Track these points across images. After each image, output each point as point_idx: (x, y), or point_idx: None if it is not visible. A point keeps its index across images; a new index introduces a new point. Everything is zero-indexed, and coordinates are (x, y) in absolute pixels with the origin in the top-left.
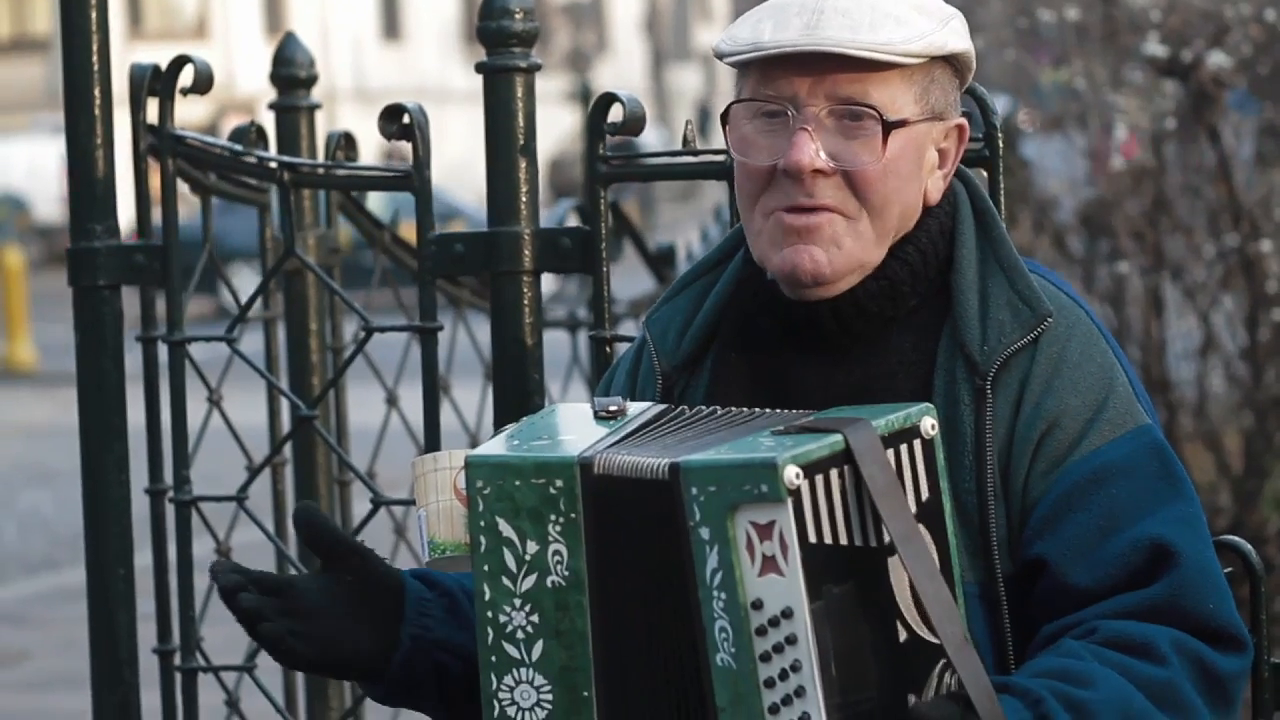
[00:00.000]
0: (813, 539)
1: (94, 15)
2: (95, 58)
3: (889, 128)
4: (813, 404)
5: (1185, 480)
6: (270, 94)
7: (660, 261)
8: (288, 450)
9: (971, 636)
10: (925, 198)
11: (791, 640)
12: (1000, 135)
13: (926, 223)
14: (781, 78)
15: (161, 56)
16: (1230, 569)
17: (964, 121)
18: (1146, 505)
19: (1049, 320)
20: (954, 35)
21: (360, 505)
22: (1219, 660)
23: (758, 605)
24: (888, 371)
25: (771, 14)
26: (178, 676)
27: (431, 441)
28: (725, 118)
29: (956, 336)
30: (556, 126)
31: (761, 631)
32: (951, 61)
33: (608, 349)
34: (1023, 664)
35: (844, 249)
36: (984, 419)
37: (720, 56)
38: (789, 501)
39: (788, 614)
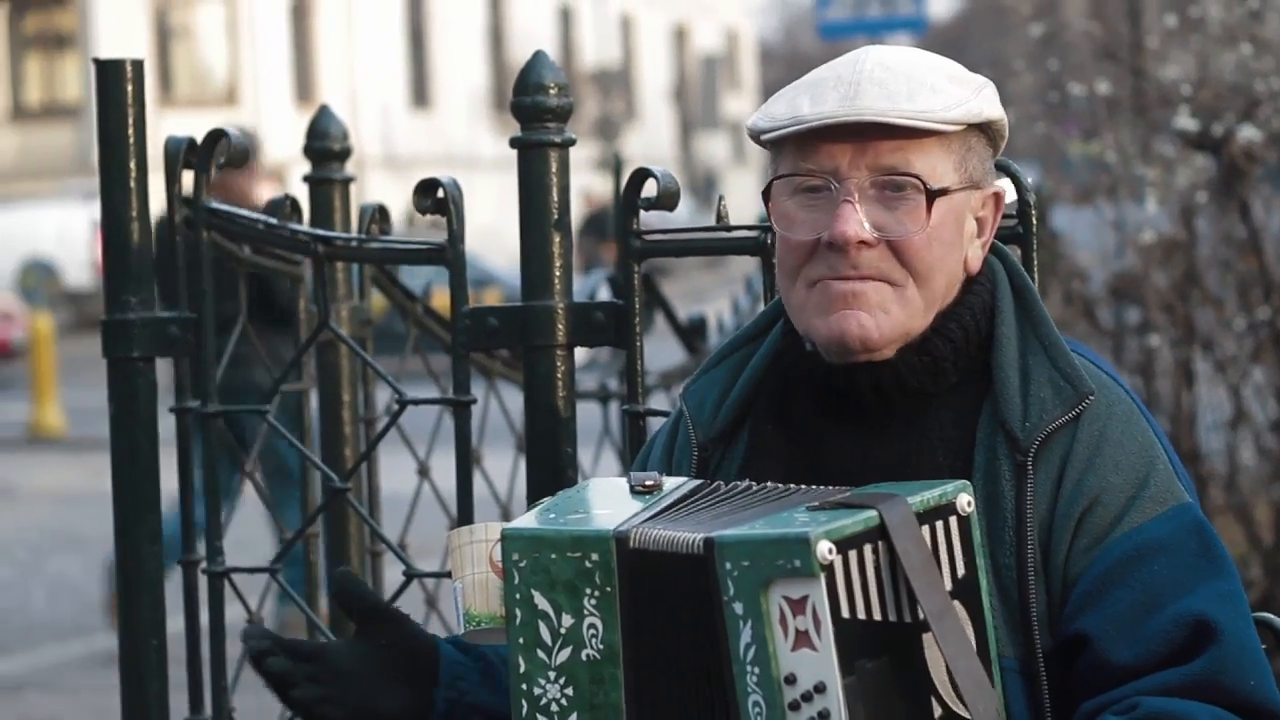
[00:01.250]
0: (846, 614)
1: (130, 89)
2: (131, 131)
3: (932, 196)
4: (850, 476)
5: (1226, 557)
6: (300, 160)
7: (692, 333)
8: (320, 521)
9: (1010, 713)
10: (966, 266)
11: (825, 716)
12: (1034, 211)
13: (969, 300)
14: (822, 151)
15: (192, 123)
16: (1264, 645)
17: (1000, 189)
18: (1188, 582)
19: (1090, 398)
20: (988, 103)
21: (392, 575)
22: None
23: (791, 680)
24: (928, 447)
25: (807, 90)
26: None
27: (464, 513)
28: (766, 194)
29: (998, 414)
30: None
31: (795, 706)
32: (986, 130)
33: (641, 423)
34: None
35: (891, 315)
36: (1025, 495)
37: (757, 134)
38: (822, 576)
39: (820, 689)
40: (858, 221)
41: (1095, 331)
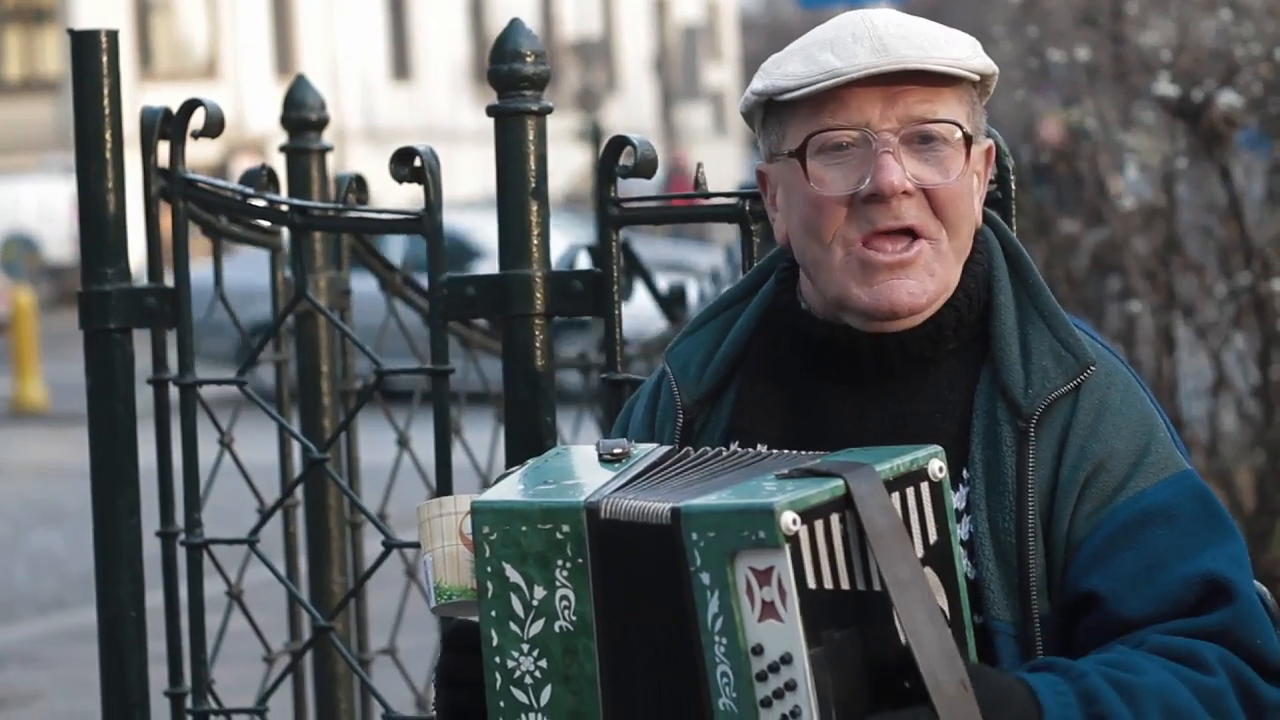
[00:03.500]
0: (812, 584)
1: (105, 60)
2: (106, 102)
3: (969, 141)
4: (848, 435)
5: (1230, 522)
6: (280, 134)
7: (672, 302)
8: (299, 492)
9: None
10: (977, 217)
11: (791, 686)
12: (1013, 177)
13: (973, 269)
14: (852, 105)
15: (172, 97)
16: None
17: (991, 144)
18: (1194, 546)
19: (1092, 369)
20: (987, 58)
21: (372, 546)
22: (1263, 689)
23: (758, 650)
24: (925, 411)
25: (826, 46)
26: (189, 719)
27: (443, 483)
28: (803, 153)
29: (998, 380)
30: (566, 165)
31: (762, 677)
32: (981, 84)
33: (621, 391)
34: None
35: (935, 275)
36: (1025, 461)
37: (777, 95)
38: (786, 547)
39: (787, 659)
40: (900, 171)
41: (1076, 298)
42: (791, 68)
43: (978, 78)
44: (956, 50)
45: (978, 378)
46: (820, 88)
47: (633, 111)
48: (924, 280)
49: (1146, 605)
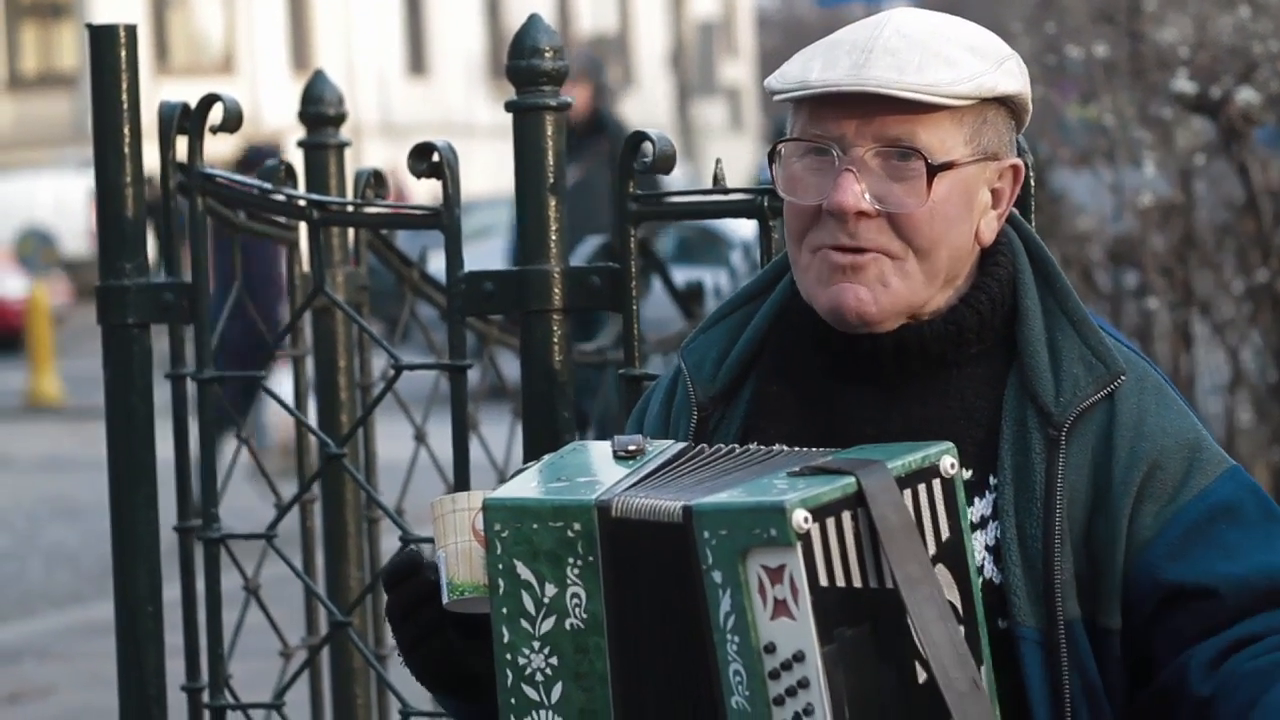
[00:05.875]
0: (824, 582)
1: (123, 54)
2: (125, 96)
3: (934, 171)
4: (867, 437)
5: None
6: (297, 128)
7: (689, 298)
8: (316, 487)
9: (1027, 682)
10: (978, 238)
11: (804, 684)
12: (1032, 176)
13: (994, 270)
14: (830, 117)
15: (188, 91)
16: None
17: (1019, 162)
18: (1261, 541)
19: (1122, 378)
20: (1007, 76)
21: (389, 541)
22: None
23: (770, 649)
24: (949, 415)
25: (824, 52)
26: (206, 714)
27: (460, 479)
28: (773, 155)
29: (1027, 387)
30: None
31: (775, 675)
32: (1006, 102)
33: (638, 387)
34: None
35: (891, 288)
36: (1055, 468)
37: (772, 94)
38: (798, 545)
39: (799, 657)
40: (856, 192)
41: (1094, 295)
42: (790, 69)
43: (962, 103)
44: (942, 74)
45: (1004, 383)
46: (791, 97)
47: (649, 107)
48: (875, 289)
49: (1240, 597)
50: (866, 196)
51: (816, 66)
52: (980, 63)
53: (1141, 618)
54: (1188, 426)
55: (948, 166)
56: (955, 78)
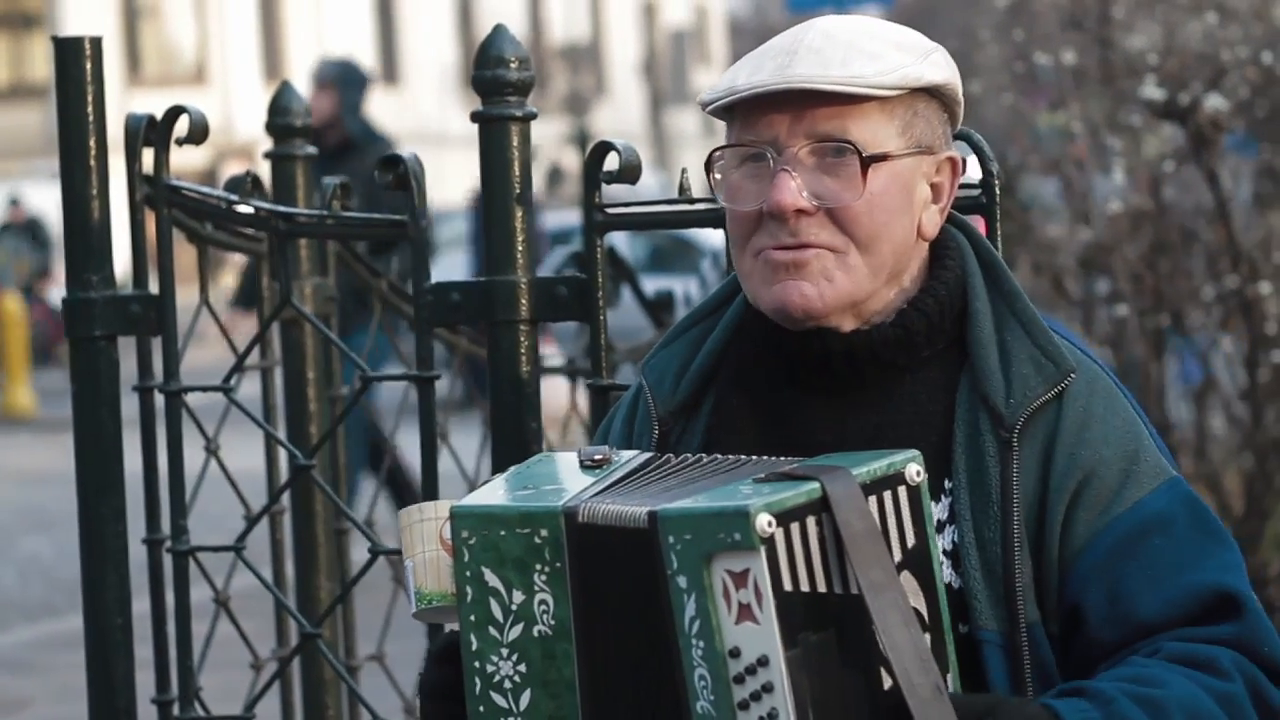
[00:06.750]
0: (788, 587)
1: (89, 66)
2: (90, 108)
3: (867, 162)
4: (825, 445)
5: (1222, 527)
6: (268, 139)
7: (659, 307)
8: (285, 498)
9: (991, 685)
10: (920, 232)
11: (768, 688)
12: (998, 182)
13: (941, 274)
14: (761, 121)
15: (160, 102)
16: None
17: (955, 154)
18: (1193, 555)
19: (1073, 375)
20: (933, 67)
21: (359, 552)
22: (1273, 691)
23: (735, 653)
24: (903, 420)
25: (750, 61)
26: None
27: (429, 489)
28: (709, 165)
29: (978, 389)
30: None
31: (739, 679)
32: (936, 94)
33: (607, 398)
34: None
35: (835, 282)
36: (1010, 470)
37: (704, 107)
38: (762, 550)
39: (764, 662)
40: (793, 190)
41: (1064, 301)
42: (720, 81)
43: (891, 94)
44: (866, 66)
45: (956, 386)
46: (720, 104)
47: (622, 116)
48: (819, 284)
49: (1158, 612)
50: (804, 194)
51: (743, 73)
52: (905, 56)
53: (1063, 628)
54: (1131, 436)
55: (881, 158)
56: (880, 69)
